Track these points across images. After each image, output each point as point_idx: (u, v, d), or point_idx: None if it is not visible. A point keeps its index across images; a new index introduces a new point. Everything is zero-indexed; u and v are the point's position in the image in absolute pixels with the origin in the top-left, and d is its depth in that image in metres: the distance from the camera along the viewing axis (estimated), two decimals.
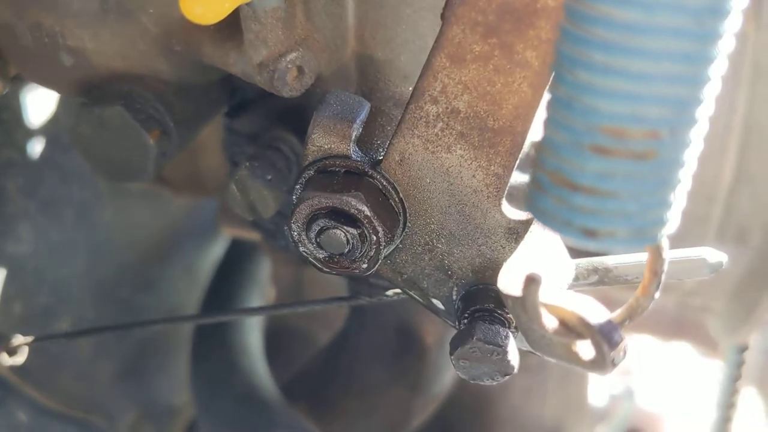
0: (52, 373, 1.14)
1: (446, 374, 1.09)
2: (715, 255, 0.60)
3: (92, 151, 0.74)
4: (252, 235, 1.12)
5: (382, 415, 1.09)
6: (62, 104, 1.10)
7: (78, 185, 1.14)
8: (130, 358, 1.33)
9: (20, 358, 0.89)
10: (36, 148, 1.07)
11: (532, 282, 0.46)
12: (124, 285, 1.30)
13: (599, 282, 0.63)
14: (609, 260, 0.63)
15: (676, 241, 0.97)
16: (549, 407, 1.36)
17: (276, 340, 1.27)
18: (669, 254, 0.60)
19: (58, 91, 0.78)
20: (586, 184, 0.40)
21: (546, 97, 0.45)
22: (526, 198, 0.45)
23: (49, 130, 1.09)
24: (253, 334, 1.19)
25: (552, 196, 0.42)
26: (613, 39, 0.36)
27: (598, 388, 2.00)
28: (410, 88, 0.67)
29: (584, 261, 0.63)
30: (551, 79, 0.41)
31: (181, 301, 1.45)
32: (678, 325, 1.63)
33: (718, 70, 0.38)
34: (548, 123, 0.41)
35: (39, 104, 1.08)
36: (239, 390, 1.01)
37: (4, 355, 0.88)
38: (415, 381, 1.07)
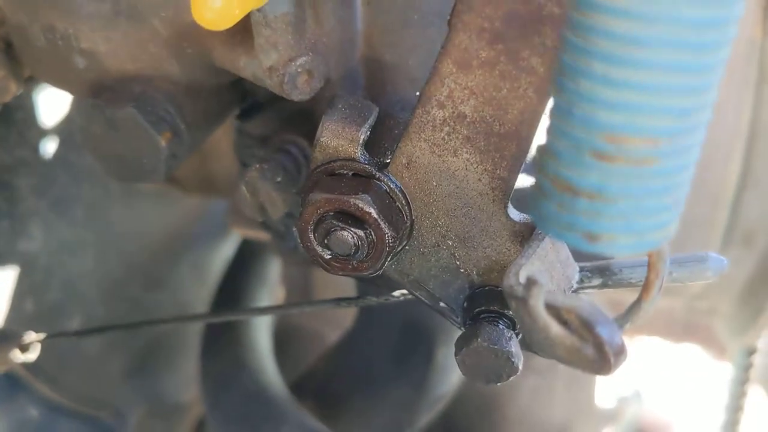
0: (63, 369, 1.15)
1: (453, 374, 1.10)
2: (717, 259, 0.61)
3: (103, 151, 0.74)
4: (261, 236, 1.13)
5: (389, 414, 1.10)
6: (75, 104, 1.11)
7: (89, 184, 1.15)
8: (140, 356, 1.34)
9: (32, 355, 0.91)
10: (48, 147, 1.08)
11: (534, 285, 0.47)
12: (133, 283, 1.31)
13: (603, 285, 0.64)
14: (613, 263, 0.63)
15: (683, 245, 0.98)
16: (557, 408, 1.37)
17: (285, 340, 1.28)
18: (672, 258, 0.61)
19: (71, 93, 0.79)
20: (587, 190, 0.41)
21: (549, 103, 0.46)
22: (528, 203, 0.46)
23: (62, 129, 1.10)
24: (262, 333, 1.20)
25: (554, 201, 0.42)
26: (613, 49, 0.37)
27: (606, 390, 2.00)
28: (418, 92, 0.68)
29: (588, 264, 0.64)
30: (553, 86, 0.41)
31: (190, 300, 1.47)
32: (686, 328, 1.64)
33: (717, 79, 0.38)
34: (550, 129, 0.42)
35: (52, 104, 1.10)
36: (248, 387, 1.02)
37: (17, 352, 0.89)
38: (421, 380, 1.08)
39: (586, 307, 0.47)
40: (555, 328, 0.48)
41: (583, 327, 0.47)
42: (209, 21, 0.48)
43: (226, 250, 1.51)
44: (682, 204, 0.42)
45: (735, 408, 1.53)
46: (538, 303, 0.47)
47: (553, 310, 0.48)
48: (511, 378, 0.61)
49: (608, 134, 0.39)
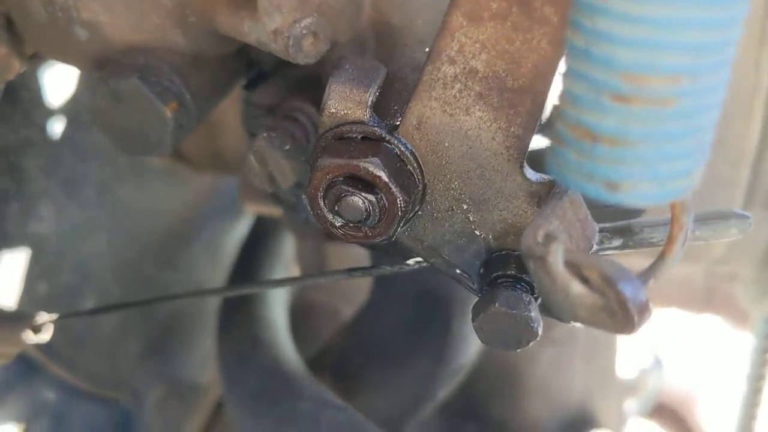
0: (79, 351, 1.15)
1: (471, 344, 1.08)
2: (741, 215, 0.59)
3: (110, 124, 0.73)
4: (273, 211, 1.12)
5: (407, 387, 1.09)
6: (81, 83, 1.10)
7: (98, 164, 1.14)
8: (156, 336, 1.34)
9: (45, 336, 0.90)
10: (55, 127, 1.07)
11: (553, 241, 0.45)
12: (147, 263, 1.30)
13: (624, 246, 0.62)
14: (633, 223, 0.61)
15: (704, 206, 0.96)
16: (577, 379, 1.36)
17: (301, 316, 1.27)
18: (694, 215, 0.59)
19: (74, 66, 0.77)
20: (607, 135, 0.39)
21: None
22: (546, 157, 0.44)
23: (69, 109, 1.09)
24: (278, 309, 1.19)
25: (572, 149, 0.41)
26: None
27: (627, 361, 1.99)
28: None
29: (608, 225, 0.62)
30: (569, 29, 0.39)
31: (204, 279, 1.46)
32: (707, 296, 1.62)
33: (740, 13, 0.36)
34: (567, 74, 0.40)
35: (58, 84, 1.08)
36: (265, 364, 1.01)
37: (29, 333, 0.88)
38: (439, 351, 1.06)
39: (607, 264, 0.45)
40: (576, 287, 0.46)
41: (605, 284, 0.45)
42: None
43: (239, 230, 1.50)
44: (706, 150, 0.40)
45: (757, 377, 1.51)
46: (557, 260, 0.45)
47: (574, 267, 0.46)
48: (531, 343, 0.60)
49: (627, 74, 0.37)
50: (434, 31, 0.61)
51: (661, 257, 0.49)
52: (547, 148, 0.44)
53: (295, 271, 1.43)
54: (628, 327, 0.46)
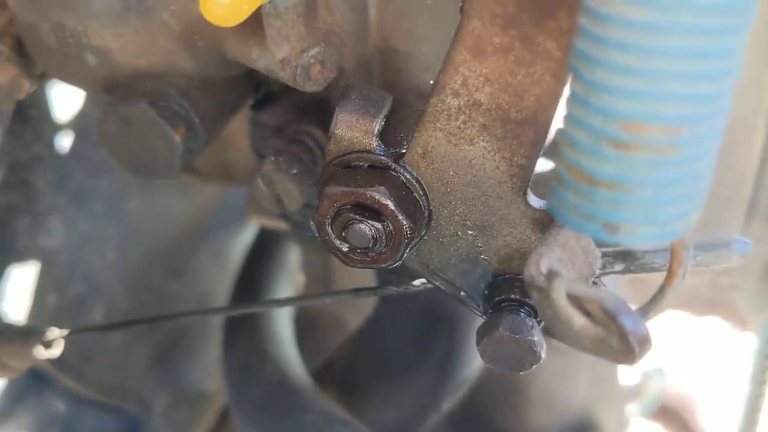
0: (88, 362, 1.16)
1: (475, 359, 1.10)
2: (741, 242, 0.60)
3: (119, 148, 0.74)
4: (280, 225, 1.13)
5: (412, 399, 1.10)
6: (89, 98, 1.11)
7: (107, 177, 1.16)
8: (163, 346, 1.35)
9: (56, 351, 0.91)
10: (64, 142, 1.08)
11: (555, 277, 0.47)
12: (154, 273, 1.32)
13: (626, 270, 0.63)
14: (635, 248, 0.63)
15: (705, 222, 0.97)
16: (580, 388, 1.37)
17: (306, 327, 1.28)
18: (695, 242, 0.60)
19: (84, 90, 0.79)
20: (607, 180, 0.40)
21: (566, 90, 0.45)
22: (547, 193, 0.45)
23: (77, 124, 1.10)
24: (283, 320, 1.20)
25: (572, 191, 0.42)
26: (630, 38, 0.36)
27: (629, 367, 1.99)
28: (432, 80, 0.67)
29: (610, 249, 0.63)
30: (570, 77, 0.41)
31: (211, 287, 1.47)
32: (710, 303, 1.63)
33: (736, 64, 0.37)
34: (567, 119, 0.41)
35: (66, 99, 1.10)
36: (271, 377, 1.02)
37: (41, 348, 0.89)
38: (443, 365, 1.07)
39: (608, 297, 0.46)
40: (578, 320, 0.47)
41: (607, 317, 0.46)
42: (219, 17, 0.48)
43: (245, 238, 1.51)
44: (704, 193, 0.41)
45: (759, 381, 1.52)
46: (560, 295, 0.46)
47: (576, 300, 0.48)
48: (534, 366, 0.61)
49: (626, 123, 0.38)
50: (439, 58, 0.62)
51: (661, 291, 0.51)
52: (548, 184, 0.45)
53: (300, 279, 1.44)
54: (629, 358, 0.47)
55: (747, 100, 0.86)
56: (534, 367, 0.61)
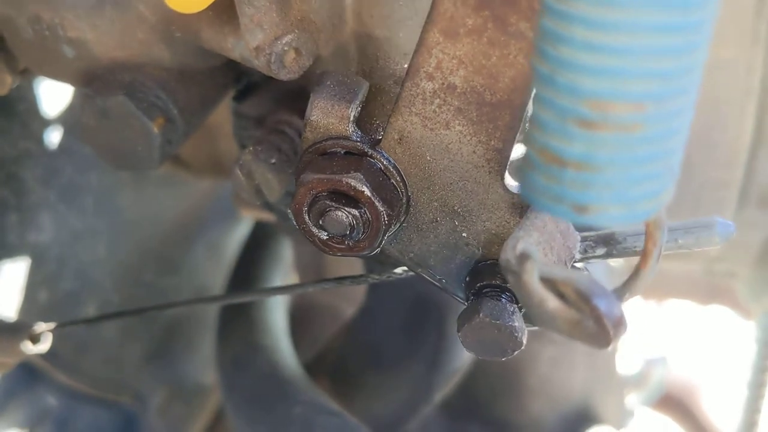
0: (81, 357, 1.16)
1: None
2: (724, 224, 0.59)
3: (98, 141, 0.74)
4: (268, 216, 1.12)
5: (403, 390, 1.10)
6: (78, 93, 1.10)
7: (96, 172, 1.15)
8: (158, 340, 1.35)
9: (44, 346, 0.91)
10: (53, 137, 1.08)
11: (527, 259, 0.46)
12: (148, 268, 1.31)
13: (607, 255, 0.62)
14: (617, 232, 0.62)
15: (697, 207, 0.96)
16: (577, 377, 1.36)
17: (302, 318, 1.27)
18: (678, 224, 0.59)
19: (63, 82, 0.78)
20: (574, 160, 0.39)
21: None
22: (517, 175, 0.44)
23: (65, 119, 1.09)
24: (277, 312, 1.20)
25: (542, 173, 0.41)
26: (593, 13, 0.35)
27: (631, 355, 1.99)
28: None
29: (591, 233, 0.62)
30: (534, 55, 0.40)
31: (206, 282, 1.47)
32: (709, 290, 1.62)
33: (703, 39, 0.37)
34: (535, 98, 0.40)
35: (54, 94, 1.09)
36: (262, 368, 1.02)
37: (28, 343, 0.89)
38: (434, 356, 1.07)
39: (582, 279, 0.45)
40: (552, 302, 0.46)
41: (580, 299, 0.45)
42: (181, 4, 0.47)
43: (240, 232, 1.51)
44: (675, 171, 0.40)
45: (761, 368, 1.51)
46: (532, 277, 0.46)
47: (550, 283, 0.47)
48: (516, 353, 0.60)
49: (592, 101, 0.37)
50: (415, 43, 0.61)
51: (636, 273, 0.50)
52: (518, 166, 0.44)
53: (294, 273, 1.44)
54: (604, 341, 0.46)
55: (736, 81, 0.85)
56: (516, 353, 0.60)
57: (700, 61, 0.38)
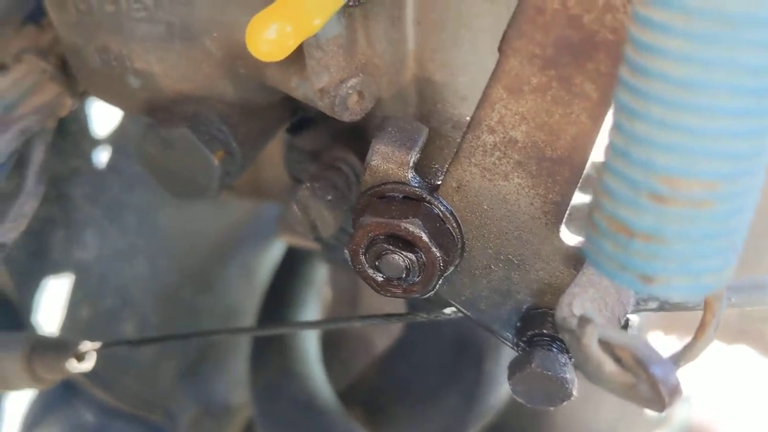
0: (118, 374, 1.18)
1: (502, 386, 1.10)
2: None
3: (158, 170, 0.76)
4: (308, 244, 1.14)
5: (437, 424, 1.10)
6: (127, 114, 1.12)
7: (140, 191, 1.17)
8: (191, 359, 1.37)
9: (88, 364, 0.92)
10: (101, 156, 1.10)
11: (587, 323, 0.47)
12: (185, 287, 1.33)
13: (660, 308, 0.63)
14: None
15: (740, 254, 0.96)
16: (604, 415, 1.36)
17: (333, 344, 1.28)
18: (730, 284, 0.60)
19: (126, 111, 0.80)
20: (643, 232, 0.40)
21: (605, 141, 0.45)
22: (583, 240, 0.45)
23: (114, 138, 1.12)
24: (310, 339, 1.21)
25: (609, 240, 0.42)
26: (670, 93, 0.36)
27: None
28: (469, 110, 0.68)
29: None
30: (610, 127, 0.41)
31: (239, 301, 1.49)
32: (740, 332, 1.62)
33: None
34: (606, 169, 0.42)
35: (104, 114, 1.12)
36: (297, 396, 1.03)
37: (74, 362, 0.91)
38: (471, 392, 1.07)
39: (640, 345, 0.46)
40: (609, 366, 0.47)
41: (638, 365, 0.46)
42: (264, 53, 0.49)
43: (273, 253, 1.53)
44: (739, 247, 0.41)
45: None
46: (592, 341, 0.47)
47: (607, 346, 0.48)
48: (564, 402, 0.61)
49: (665, 177, 0.38)
50: (476, 89, 0.63)
51: (693, 341, 0.51)
52: (584, 231, 0.45)
53: (328, 294, 1.45)
54: (659, 406, 0.47)
55: None
56: (564, 403, 0.61)
57: None
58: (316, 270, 1.38)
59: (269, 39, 0.49)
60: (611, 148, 0.41)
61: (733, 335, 1.64)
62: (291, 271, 1.38)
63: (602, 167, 0.42)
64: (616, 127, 0.40)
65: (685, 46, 0.35)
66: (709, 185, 0.38)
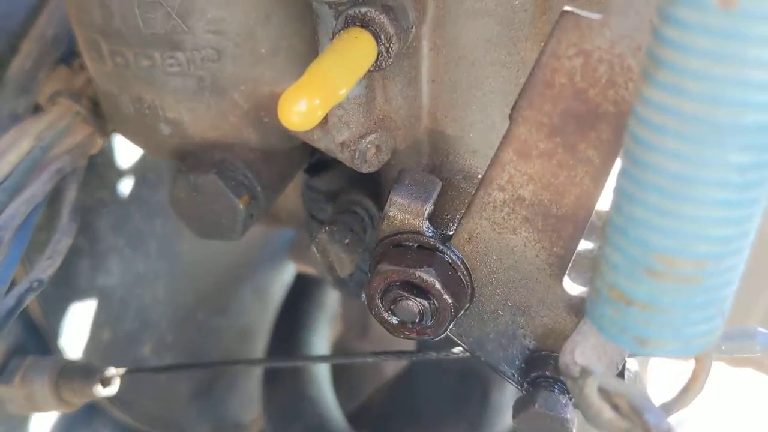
0: (135, 394, 1.22)
1: (507, 415, 1.14)
2: (765, 335, 0.64)
3: (187, 212, 0.80)
4: (319, 272, 1.18)
5: None
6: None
7: (161, 219, 1.22)
8: (205, 379, 1.41)
9: (113, 389, 0.97)
10: (125, 187, 1.15)
11: (588, 375, 0.51)
12: (200, 309, 1.38)
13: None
14: None
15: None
16: None
17: (343, 369, 1.33)
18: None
19: (155, 155, 0.85)
20: (640, 301, 0.45)
21: (606, 217, 0.50)
22: (585, 303, 0.50)
23: (137, 169, 1.16)
24: (322, 363, 1.26)
25: (609, 306, 0.47)
26: (666, 185, 0.41)
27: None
28: (478, 162, 0.72)
29: None
30: (610, 207, 0.46)
31: (253, 321, 1.53)
32: (743, 357, 1.65)
33: (759, 209, 0.42)
34: (607, 243, 0.46)
35: (129, 145, 1.16)
36: (309, 421, 1.07)
37: (99, 387, 0.95)
38: (477, 420, 1.12)
39: (635, 393, 0.51)
40: (607, 413, 0.52)
41: (633, 412, 0.51)
42: (296, 124, 0.53)
43: (285, 276, 1.57)
44: (727, 312, 0.46)
45: None
46: (592, 392, 0.51)
47: (605, 394, 0.52)
48: None
49: (660, 255, 0.43)
50: (485, 143, 0.67)
51: (684, 391, 0.55)
52: (587, 295, 0.50)
53: (339, 322, 1.50)
54: None
55: None
56: None
57: (755, 226, 0.44)
58: (327, 292, 1.42)
59: (300, 111, 0.53)
60: (612, 226, 0.46)
61: (736, 359, 1.68)
62: (303, 293, 1.42)
63: (603, 240, 0.47)
64: (617, 208, 0.45)
65: (679, 146, 0.40)
66: (699, 263, 0.43)
